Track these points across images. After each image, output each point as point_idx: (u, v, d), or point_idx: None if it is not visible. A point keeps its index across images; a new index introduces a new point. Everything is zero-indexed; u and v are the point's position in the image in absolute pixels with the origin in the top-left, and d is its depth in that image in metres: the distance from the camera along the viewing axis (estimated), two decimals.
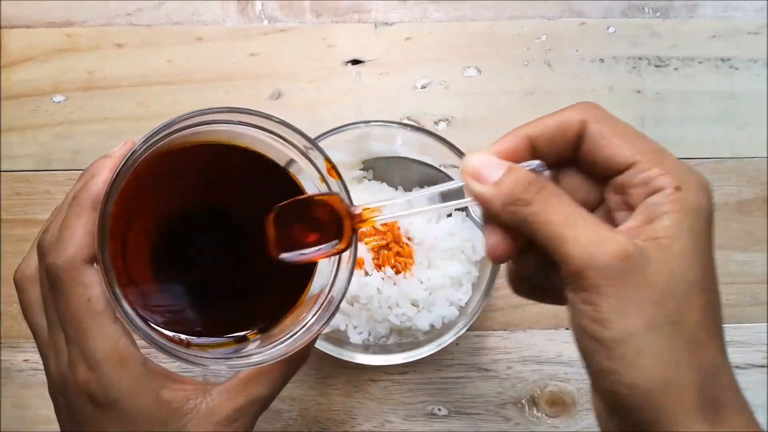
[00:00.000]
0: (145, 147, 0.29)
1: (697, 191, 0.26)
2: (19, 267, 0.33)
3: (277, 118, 0.31)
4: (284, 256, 0.32)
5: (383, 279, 0.46)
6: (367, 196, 0.48)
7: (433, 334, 0.47)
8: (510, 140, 0.29)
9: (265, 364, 0.31)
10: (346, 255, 0.33)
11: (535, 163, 0.28)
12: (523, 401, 0.51)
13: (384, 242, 0.47)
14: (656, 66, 0.54)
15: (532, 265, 0.29)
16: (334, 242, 0.31)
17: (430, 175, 0.49)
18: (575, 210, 0.27)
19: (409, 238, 0.47)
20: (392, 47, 0.54)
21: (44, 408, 0.50)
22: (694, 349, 0.25)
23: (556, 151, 0.29)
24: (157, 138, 0.29)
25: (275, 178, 0.34)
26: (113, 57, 0.53)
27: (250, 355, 0.31)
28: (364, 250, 0.47)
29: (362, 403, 0.51)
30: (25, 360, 0.51)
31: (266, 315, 0.35)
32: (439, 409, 0.51)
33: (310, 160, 0.33)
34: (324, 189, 0.33)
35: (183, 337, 0.33)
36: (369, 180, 0.50)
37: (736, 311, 0.52)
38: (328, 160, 0.32)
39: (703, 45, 0.54)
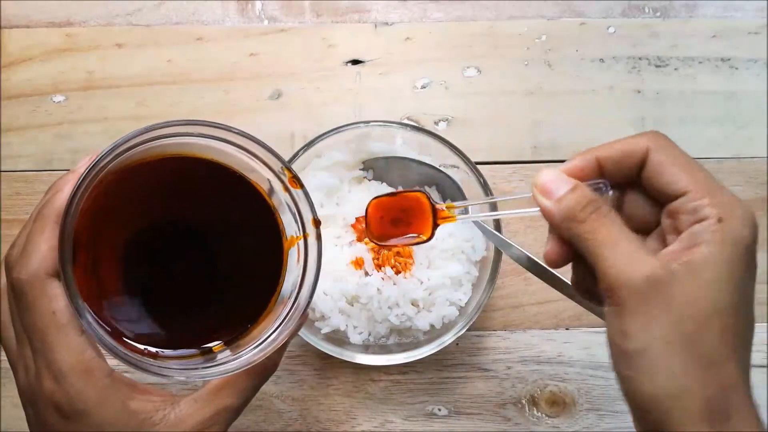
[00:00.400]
0: (106, 161, 0.29)
1: (740, 224, 0.28)
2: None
3: (237, 129, 0.32)
4: (379, 237, 0.37)
5: (383, 279, 0.46)
6: (367, 196, 0.48)
7: (433, 334, 0.47)
8: (580, 160, 0.32)
9: (231, 374, 0.31)
10: (312, 259, 0.33)
11: (601, 181, 0.31)
12: (523, 401, 0.51)
13: None
14: (656, 66, 0.54)
15: (583, 273, 0.32)
16: (416, 234, 0.36)
17: (430, 175, 0.49)
18: (620, 232, 0.29)
19: None
20: (392, 47, 0.54)
21: None
22: (707, 366, 0.28)
23: (621, 173, 0.31)
24: (116, 153, 0.29)
25: (239, 189, 0.35)
26: (113, 57, 0.53)
27: (216, 365, 0.32)
28: (364, 250, 0.47)
29: (362, 403, 0.51)
30: None
31: (236, 324, 0.35)
32: (439, 409, 0.51)
33: (274, 172, 0.33)
34: (287, 198, 0.34)
35: (152, 349, 0.33)
36: (369, 180, 0.50)
37: None
38: (289, 169, 0.33)
39: (703, 45, 0.54)
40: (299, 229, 0.34)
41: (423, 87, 0.54)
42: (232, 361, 0.32)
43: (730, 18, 0.54)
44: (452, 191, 0.48)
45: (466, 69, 0.54)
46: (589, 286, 0.32)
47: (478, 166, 0.46)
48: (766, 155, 0.53)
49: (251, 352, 0.32)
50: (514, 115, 0.53)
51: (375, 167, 0.49)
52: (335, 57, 0.54)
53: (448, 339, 0.46)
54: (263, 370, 0.34)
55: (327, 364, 0.51)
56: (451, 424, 0.51)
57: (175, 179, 0.35)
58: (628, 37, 0.54)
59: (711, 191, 0.29)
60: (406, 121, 0.53)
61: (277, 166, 0.33)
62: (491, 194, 0.46)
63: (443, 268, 0.47)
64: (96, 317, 0.31)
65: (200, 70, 0.53)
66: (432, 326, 0.47)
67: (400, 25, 0.54)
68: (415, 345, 0.47)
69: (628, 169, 0.31)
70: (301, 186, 0.33)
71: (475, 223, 0.46)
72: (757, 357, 0.52)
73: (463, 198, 0.48)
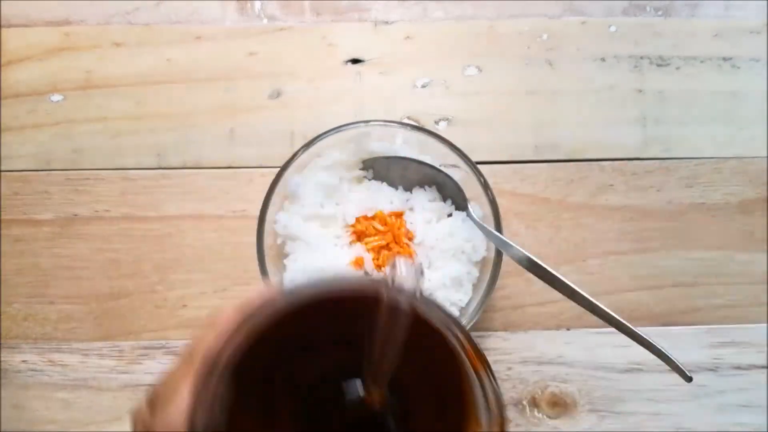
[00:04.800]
0: (273, 310, 0.25)
1: None
2: (139, 401, 0.31)
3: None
4: None
5: None
6: (367, 196, 0.48)
7: None
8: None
9: None
10: None
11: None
12: (524, 402, 0.51)
13: (384, 242, 0.46)
14: (658, 65, 0.54)
15: None
16: None
17: (430, 175, 0.49)
18: None
19: (409, 238, 0.47)
20: (392, 46, 0.53)
21: (42, 409, 0.50)
22: None
23: None
24: (291, 300, 0.25)
25: (439, 351, 0.28)
26: (112, 56, 0.53)
27: None
28: (363, 250, 0.47)
29: None
30: (23, 361, 0.50)
31: None
32: None
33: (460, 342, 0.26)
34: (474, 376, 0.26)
35: None
36: (369, 180, 0.49)
37: (737, 312, 0.52)
38: (470, 340, 0.26)
39: (704, 44, 0.54)
40: (487, 421, 0.27)
41: (423, 86, 0.53)
42: None
43: (732, 17, 0.54)
44: (452, 191, 0.48)
45: (467, 68, 0.54)
46: None
47: (479, 166, 0.46)
48: (767, 155, 0.53)
49: None
50: (515, 115, 0.53)
51: (375, 167, 0.49)
52: (335, 56, 0.53)
53: None
54: None
55: None
56: None
57: (363, 326, 0.28)
58: (629, 36, 0.54)
59: None
60: (406, 121, 0.53)
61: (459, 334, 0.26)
62: (491, 193, 0.45)
63: (444, 268, 0.47)
64: None
65: (199, 70, 0.53)
66: None
67: (400, 24, 0.54)
68: None
69: None
70: (485, 367, 0.26)
71: (476, 223, 0.46)
72: (757, 357, 0.52)
73: (464, 197, 0.47)
